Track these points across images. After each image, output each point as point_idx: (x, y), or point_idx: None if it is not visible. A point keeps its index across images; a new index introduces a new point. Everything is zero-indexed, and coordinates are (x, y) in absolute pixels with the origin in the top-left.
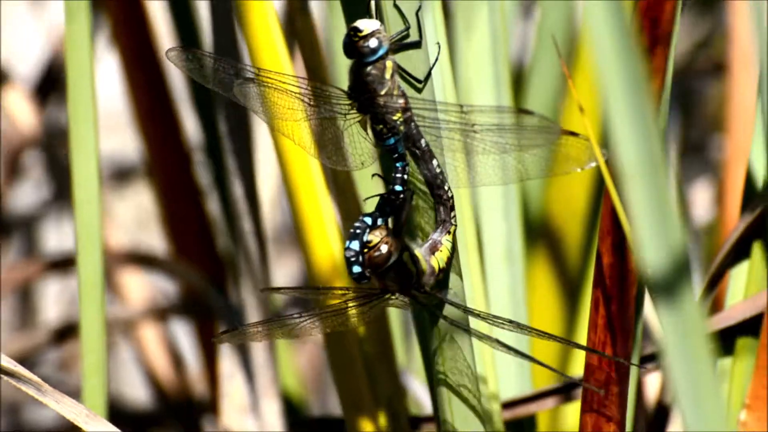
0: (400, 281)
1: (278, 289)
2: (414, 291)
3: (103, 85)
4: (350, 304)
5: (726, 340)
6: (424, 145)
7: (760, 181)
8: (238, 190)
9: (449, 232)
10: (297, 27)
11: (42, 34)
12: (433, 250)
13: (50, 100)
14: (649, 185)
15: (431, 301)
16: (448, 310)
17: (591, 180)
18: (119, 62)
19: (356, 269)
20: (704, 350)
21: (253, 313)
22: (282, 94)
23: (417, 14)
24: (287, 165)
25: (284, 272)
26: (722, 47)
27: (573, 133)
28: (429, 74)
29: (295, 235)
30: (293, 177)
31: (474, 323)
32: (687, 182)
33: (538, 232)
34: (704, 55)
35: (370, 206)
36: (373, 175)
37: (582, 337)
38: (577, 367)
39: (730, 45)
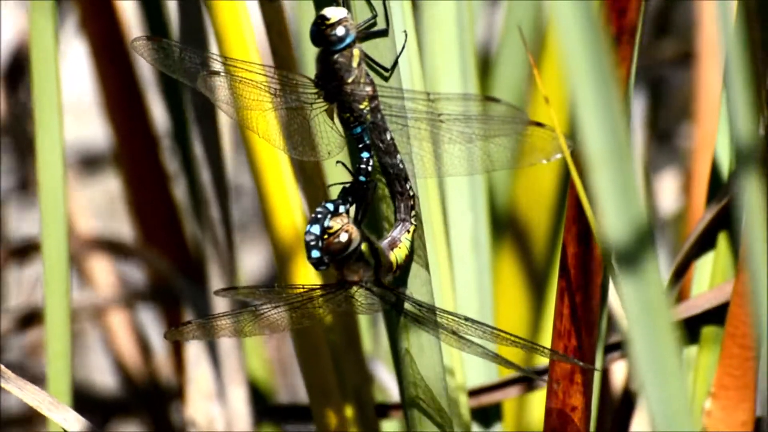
0: (358, 272)
1: (233, 288)
2: (372, 285)
3: (71, 72)
4: (307, 297)
5: (691, 330)
6: (389, 138)
7: (726, 171)
8: (205, 176)
9: (408, 231)
10: (265, 15)
11: (9, 19)
12: (392, 246)
13: (18, 86)
14: (615, 175)
15: (388, 296)
16: (410, 307)
17: (558, 170)
18: (87, 49)
19: (315, 254)
20: (670, 339)
21: (219, 302)
22: (248, 85)
23: (384, 2)
24: (254, 152)
25: (252, 259)
26: (690, 36)
27: (539, 124)
28: (396, 62)
29: (263, 222)
30: (260, 164)
31: (438, 318)
32: (654, 171)
33: (505, 222)
34: (672, 43)
35: (334, 193)
36: (337, 163)
37: (548, 326)
38: (541, 359)
39: (697, 34)
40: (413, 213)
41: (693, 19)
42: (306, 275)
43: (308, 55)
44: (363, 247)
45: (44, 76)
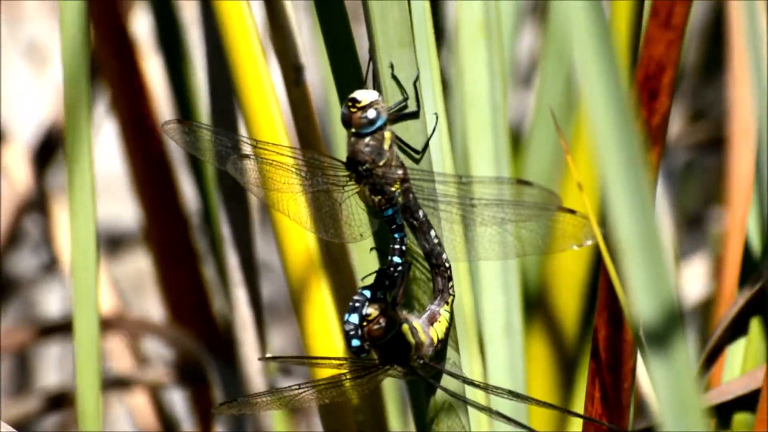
0: (398, 353)
1: (276, 358)
2: (412, 363)
3: (101, 150)
4: (348, 376)
5: (723, 416)
6: (422, 216)
7: (757, 256)
8: (234, 256)
9: (447, 303)
10: (291, 99)
11: (43, 95)
12: (432, 321)
13: (50, 163)
14: (646, 260)
15: (429, 372)
16: (446, 381)
17: (590, 253)
18: (117, 128)
19: (355, 343)
20: (700, 425)
21: (248, 382)
22: (278, 168)
23: (414, 84)
24: (282, 233)
25: (281, 340)
26: (721, 119)
27: (571, 211)
28: (427, 144)
29: (291, 303)
30: (288, 245)
31: (472, 396)
32: (684, 256)
33: (536, 305)
34: (703, 127)
35: (368, 281)
36: (371, 249)
37: (579, 411)
38: None
39: (729, 117)
40: (450, 284)
41: (724, 102)
42: (334, 355)
43: (334, 137)
44: (403, 328)
45: (78, 155)
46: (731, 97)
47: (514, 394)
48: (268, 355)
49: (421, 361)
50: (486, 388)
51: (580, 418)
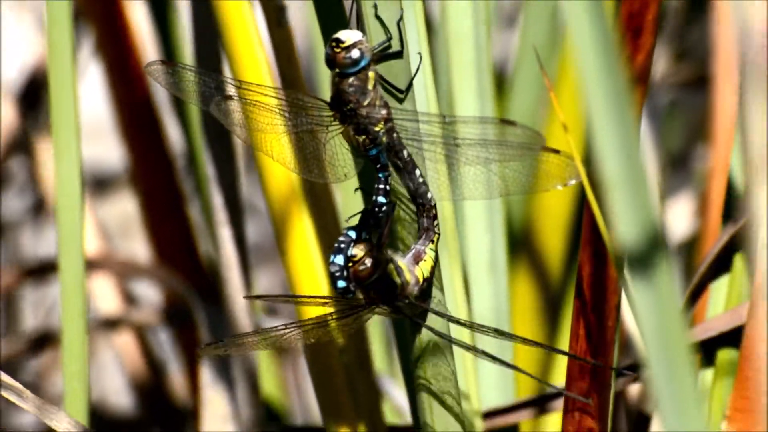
0: (384, 293)
1: (261, 297)
2: (398, 302)
3: (86, 93)
4: (334, 316)
5: (707, 352)
6: (406, 155)
7: (741, 193)
8: (219, 197)
9: (432, 241)
10: (274, 39)
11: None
12: (417, 259)
13: (35, 105)
14: (631, 196)
15: (415, 310)
16: (431, 320)
17: (574, 191)
18: (103, 71)
19: (341, 284)
20: (685, 361)
21: (234, 322)
22: (262, 109)
23: (398, 24)
24: (266, 174)
25: (266, 281)
26: (705, 58)
27: (555, 150)
28: (410, 84)
29: (276, 244)
30: (271, 185)
31: (457, 334)
32: (669, 194)
33: (521, 244)
34: (687, 66)
35: (353, 222)
36: (356, 189)
37: (565, 347)
38: (558, 378)
39: (713, 56)
40: (435, 222)
41: (708, 41)
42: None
43: (318, 78)
44: (388, 268)
45: (62, 97)
46: (715, 36)
47: (499, 332)
48: (242, 305)
49: (407, 300)
50: (471, 326)
51: (565, 354)
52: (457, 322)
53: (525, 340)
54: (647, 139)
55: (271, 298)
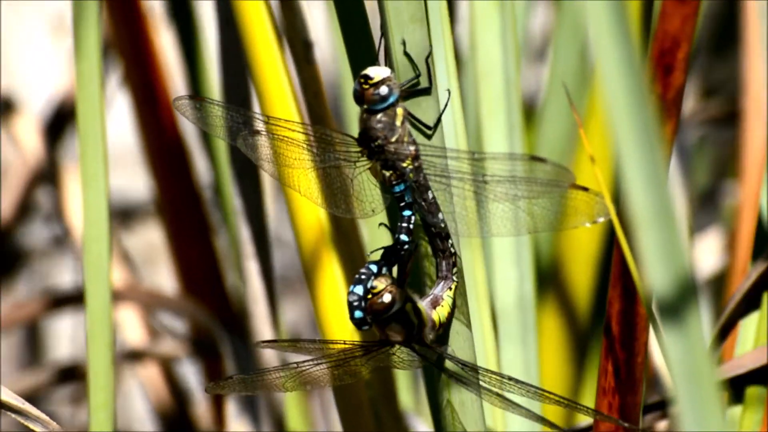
0: (400, 332)
1: (274, 341)
2: (414, 344)
3: (114, 123)
4: (349, 356)
5: (736, 389)
6: (430, 197)
7: None
8: (246, 228)
9: (450, 288)
10: (301, 75)
11: (57, 67)
12: (435, 304)
13: (62, 134)
14: (660, 234)
15: (431, 355)
16: (451, 365)
17: (603, 227)
18: (130, 100)
19: (358, 314)
20: (714, 398)
21: (260, 355)
22: (290, 144)
23: (427, 61)
24: (294, 207)
25: (293, 313)
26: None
27: (583, 188)
28: (439, 120)
29: (303, 276)
30: (300, 219)
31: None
32: (698, 230)
33: (549, 279)
34: (716, 102)
35: (375, 256)
36: (380, 225)
37: (592, 383)
38: (585, 417)
39: (742, 92)
40: (455, 270)
41: (738, 78)
42: (345, 330)
43: (345, 114)
44: (406, 307)
45: (90, 127)
46: (745, 73)
47: (514, 381)
48: (268, 337)
49: (423, 343)
50: (485, 374)
51: (590, 414)
52: (472, 368)
53: (539, 391)
54: (676, 175)
55: (284, 343)
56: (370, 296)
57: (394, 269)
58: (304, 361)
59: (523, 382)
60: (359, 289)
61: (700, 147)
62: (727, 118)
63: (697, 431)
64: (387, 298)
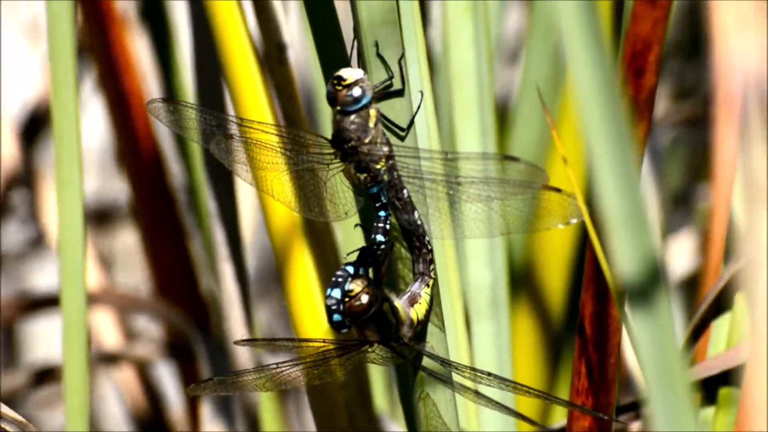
0: (379, 331)
1: (253, 340)
2: (393, 342)
3: (88, 126)
4: (328, 355)
5: (708, 391)
6: (405, 195)
7: (742, 232)
8: (221, 231)
9: (428, 285)
10: (274, 77)
11: (32, 71)
12: (412, 302)
13: (37, 138)
14: (632, 235)
15: (409, 353)
16: (428, 363)
17: (576, 229)
18: (105, 104)
19: (336, 318)
20: (686, 399)
21: (235, 357)
22: (263, 148)
23: (399, 62)
24: (267, 209)
25: (267, 315)
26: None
27: (556, 189)
28: (412, 121)
29: (277, 279)
30: (274, 221)
31: (456, 375)
32: (670, 232)
33: (523, 281)
34: (688, 104)
35: (351, 258)
36: (355, 226)
37: (566, 384)
38: (560, 412)
39: (714, 95)
40: (432, 267)
41: (709, 80)
42: (320, 331)
43: (319, 116)
44: (384, 306)
45: (65, 130)
46: (715, 75)
47: (493, 377)
48: (244, 337)
49: (401, 341)
50: (464, 370)
51: (565, 405)
52: (450, 365)
53: (520, 387)
54: (649, 177)
55: (263, 342)
56: (347, 299)
57: (370, 270)
58: (283, 362)
59: (500, 377)
60: (337, 293)
61: (673, 149)
62: (700, 121)
63: None
64: (365, 299)
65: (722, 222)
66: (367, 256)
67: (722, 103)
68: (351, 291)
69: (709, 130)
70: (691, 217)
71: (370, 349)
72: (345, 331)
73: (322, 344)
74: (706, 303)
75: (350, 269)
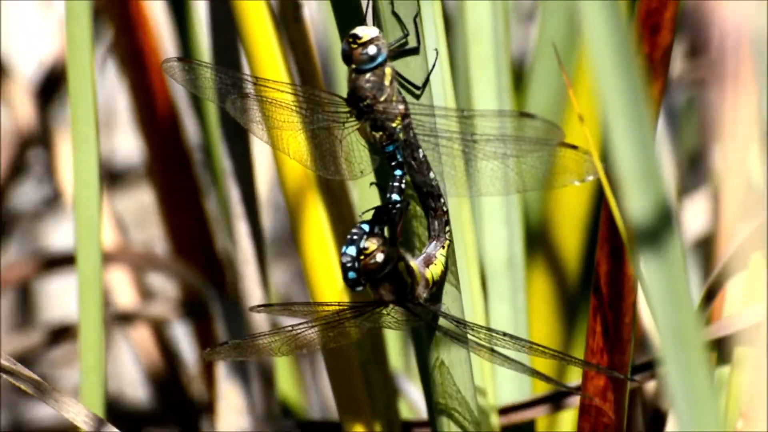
0: (394, 291)
1: (268, 305)
2: (408, 303)
3: (104, 86)
4: (343, 317)
5: (724, 350)
6: (421, 155)
7: (758, 191)
8: (236, 190)
9: (443, 247)
10: (290, 35)
11: (48, 32)
12: (427, 263)
13: (54, 97)
14: (647, 194)
15: (425, 313)
16: (443, 323)
17: (592, 187)
18: (120, 63)
19: (351, 275)
20: (701, 359)
21: (250, 316)
22: (278, 106)
23: (415, 20)
24: (283, 168)
25: (283, 274)
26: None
27: (572, 146)
28: (427, 80)
29: (293, 238)
30: (290, 180)
31: (471, 335)
32: (686, 192)
33: (538, 240)
34: (705, 64)
35: (366, 216)
36: (371, 184)
37: (581, 344)
38: (575, 372)
39: (731, 54)
40: (447, 229)
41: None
42: (336, 290)
43: (335, 74)
44: (399, 266)
45: (81, 90)
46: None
47: (508, 337)
48: (258, 298)
49: (416, 302)
50: (479, 330)
51: (579, 365)
52: (465, 324)
53: (534, 346)
54: (664, 136)
55: (278, 306)
56: (362, 257)
57: (386, 229)
58: (298, 324)
59: (516, 337)
60: (352, 250)
61: (690, 108)
62: (717, 80)
63: (684, 391)
64: (380, 257)
65: (738, 182)
66: (383, 215)
67: (739, 62)
68: (366, 249)
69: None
70: (707, 177)
71: (385, 311)
72: (360, 289)
73: (337, 307)
74: (722, 262)
75: (365, 227)
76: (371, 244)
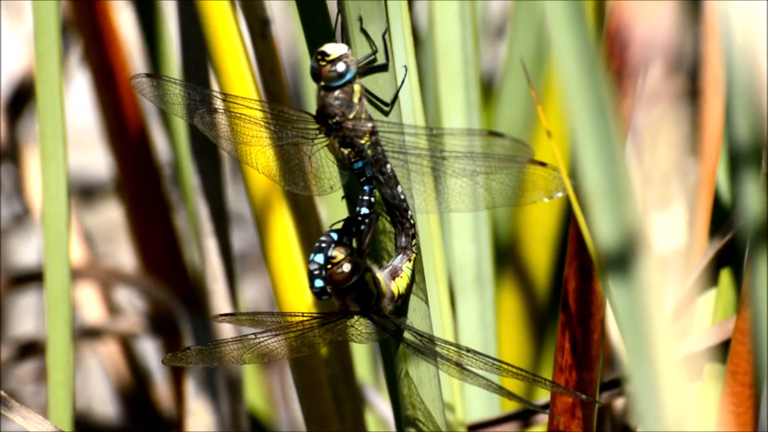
0: (359, 302)
1: (233, 314)
2: (372, 314)
3: (73, 101)
4: (308, 326)
5: (694, 366)
6: (389, 170)
7: (728, 207)
8: (205, 206)
9: (410, 260)
10: (258, 52)
11: (16, 46)
12: (394, 275)
13: (22, 113)
14: (615, 211)
15: (389, 326)
16: (411, 339)
17: (561, 204)
18: (90, 79)
19: (318, 283)
20: (670, 376)
21: (219, 331)
22: (247, 122)
23: (384, 37)
24: (251, 184)
25: (252, 290)
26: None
27: (541, 163)
28: (396, 96)
29: (261, 253)
30: (257, 196)
31: (440, 350)
32: (659, 208)
33: (508, 256)
34: (676, 80)
35: (336, 227)
36: (342, 198)
37: (550, 360)
38: (544, 390)
39: (701, 70)
40: (414, 242)
41: (697, 55)
42: (304, 306)
43: (303, 91)
44: (366, 277)
45: (49, 106)
46: (704, 51)
47: (472, 353)
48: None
49: (381, 314)
50: (444, 345)
51: (547, 387)
52: (431, 339)
53: (501, 365)
54: (636, 152)
55: (243, 315)
56: (329, 266)
57: (354, 240)
58: (261, 332)
59: (480, 353)
60: (319, 258)
61: (664, 124)
62: (688, 95)
63: (651, 408)
64: (346, 267)
65: (708, 197)
66: (352, 226)
67: (710, 78)
68: (334, 258)
69: (696, 105)
70: (679, 193)
71: (349, 323)
72: (326, 298)
73: (302, 317)
74: (692, 279)
75: (334, 236)
76: (339, 254)
